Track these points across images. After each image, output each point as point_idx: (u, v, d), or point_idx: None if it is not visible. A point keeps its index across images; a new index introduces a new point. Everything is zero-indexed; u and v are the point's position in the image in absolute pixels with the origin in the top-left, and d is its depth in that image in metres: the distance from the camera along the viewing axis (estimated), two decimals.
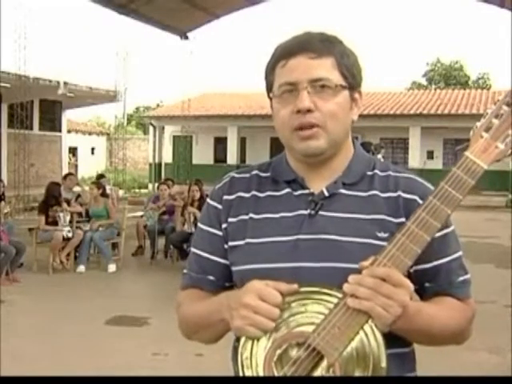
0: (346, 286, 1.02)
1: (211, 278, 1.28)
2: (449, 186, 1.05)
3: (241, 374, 1.04)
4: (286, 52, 1.20)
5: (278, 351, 1.02)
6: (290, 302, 1.04)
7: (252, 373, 1.03)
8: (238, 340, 1.22)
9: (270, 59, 1.24)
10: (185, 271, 1.33)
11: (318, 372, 1.01)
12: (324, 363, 1.01)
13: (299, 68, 1.17)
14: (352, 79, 1.20)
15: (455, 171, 1.05)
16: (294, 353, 1.02)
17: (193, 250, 1.33)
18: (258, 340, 1.03)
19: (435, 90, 31.67)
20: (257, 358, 1.03)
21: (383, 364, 1.01)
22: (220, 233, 1.26)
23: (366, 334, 1.02)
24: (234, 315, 1.05)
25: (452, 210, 1.05)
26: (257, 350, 1.03)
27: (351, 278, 1.03)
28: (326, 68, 1.17)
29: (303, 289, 1.05)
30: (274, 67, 1.22)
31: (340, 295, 1.03)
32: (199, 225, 1.33)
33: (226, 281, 1.27)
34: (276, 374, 1.02)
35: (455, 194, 1.05)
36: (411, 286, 1.03)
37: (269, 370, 1.02)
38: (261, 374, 1.02)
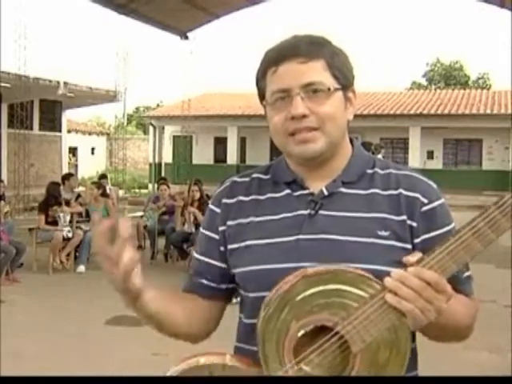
0: (388, 281, 1.00)
1: (205, 281, 1.28)
2: None
3: (260, 347, 1.04)
4: (275, 58, 1.18)
5: (302, 331, 1.02)
6: (328, 283, 1.02)
7: (272, 346, 1.03)
8: (239, 341, 1.23)
9: (259, 66, 1.23)
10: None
11: (338, 359, 1.01)
12: (347, 352, 1.00)
13: (290, 74, 1.16)
14: (344, 79, 1.19)
15: None
16: (318, 335, 1.01)
17: (194, 253, 1.35)
18: (283, 315, 1.02)
19: (435, 90, 31.68)
20: (279, 333, 1.02)
21: (406, 360, 1.02)
22: (216, 236, 1.27)
23: (396, 330, 1.01)
24: None
25: (511, 226, 0.98)
26: (281, 326, 1.03)
27: (395, 273, 1.00)
28: (316, 71, 1.16)
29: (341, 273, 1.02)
30: (265, 74, 1.21)
31: (378, 287, 1.01)
32: (200, 228, 1.35)
33: (223, 283, 1.28)
34: (292, 358, 1.02)
35: None
36: (452, 294, 1.02)
37: (289, 347, 1.02)
38: (280, 350, 1.02)
